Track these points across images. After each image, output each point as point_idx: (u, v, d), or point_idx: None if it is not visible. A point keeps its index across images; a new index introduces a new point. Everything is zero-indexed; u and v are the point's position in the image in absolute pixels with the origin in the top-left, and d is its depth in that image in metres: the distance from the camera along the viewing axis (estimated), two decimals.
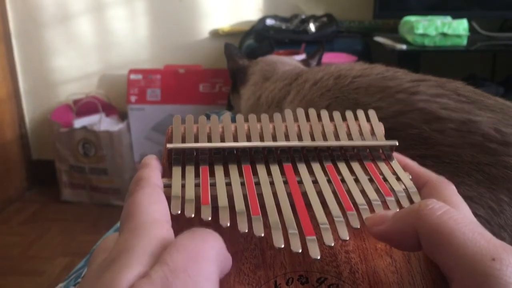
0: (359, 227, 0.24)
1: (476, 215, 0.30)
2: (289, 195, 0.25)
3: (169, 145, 0.27)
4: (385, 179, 0.28)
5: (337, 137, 0.30)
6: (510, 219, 0.43)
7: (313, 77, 0.65)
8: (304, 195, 0.25)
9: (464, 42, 1.38)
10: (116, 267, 0.19)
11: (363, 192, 0.26)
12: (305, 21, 1.65)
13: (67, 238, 1.75)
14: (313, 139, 0.29)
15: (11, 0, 1.97)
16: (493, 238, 0.20)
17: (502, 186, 0.43)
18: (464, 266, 0.19)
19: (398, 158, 0.30)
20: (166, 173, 0.27)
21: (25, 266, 1.60)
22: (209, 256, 0.19)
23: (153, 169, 0.26)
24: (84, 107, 1.95)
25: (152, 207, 0.22)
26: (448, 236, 0.20)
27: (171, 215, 0.23)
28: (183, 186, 0.25)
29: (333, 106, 0.57)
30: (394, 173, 0.28)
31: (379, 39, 1.56)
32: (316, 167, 0.28)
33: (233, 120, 0.30)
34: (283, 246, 0.22)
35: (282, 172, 0.27)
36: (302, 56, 1.20)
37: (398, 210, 0.25)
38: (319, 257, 0.22)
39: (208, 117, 0.29)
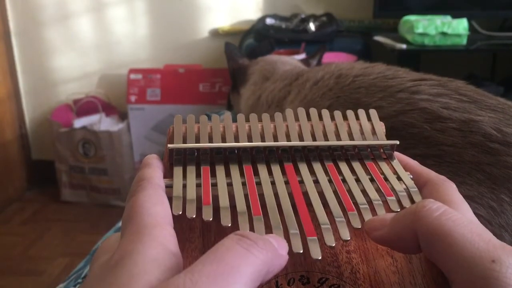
0: (360, 227, 0.24)
1: (476, 215, 0.30)
2: (290, 195, 0.25)
3: (170, 145, 0.27)
4: (386, 179, 0.28)
5: (338, 137, 0.30)
6: (511, 219, 0.43)
7: (313, 77, 0.64)
8: (305, 195, 0.25)
9: (464, 41, 1.38)
10: (121, 273, 0.18)
11: (364, 191, 0.26)
12: (305, 21, 1.65)
13: (67, 238, 1.75)
14: (314, 138, 0.29)
15: None
16: (492, 238, 0.20)
17: (503, 185, 0.43)
18: (464, 268, 0.19)
19: (399, 157, 0.30)
20: (167, 174, 0.27)
21: (25, 266, 1.59)
22: (244, 275, 0.18)
23: (155, 169, 0.25)
24: (84, 107, 1.95)
25: (154, 209, 0.22)
26: (447, 238, 0.20)
27: (173, 215, 0.23)
28: (184, 186, 0.25)
29: (334, 106, 0.56)
30: (395, 172, 0.28)
31: (379, 38, 1.56)
32: (317, 166, 0.28)
33: (234, 120, 0.29)
34: None
35: (283, 172, 0.27)
36: (302, 56, 1.20)
37: (399, 209, 0.25)
38: (320, 258, 0.22)
39: (209, 117, 0.29)
